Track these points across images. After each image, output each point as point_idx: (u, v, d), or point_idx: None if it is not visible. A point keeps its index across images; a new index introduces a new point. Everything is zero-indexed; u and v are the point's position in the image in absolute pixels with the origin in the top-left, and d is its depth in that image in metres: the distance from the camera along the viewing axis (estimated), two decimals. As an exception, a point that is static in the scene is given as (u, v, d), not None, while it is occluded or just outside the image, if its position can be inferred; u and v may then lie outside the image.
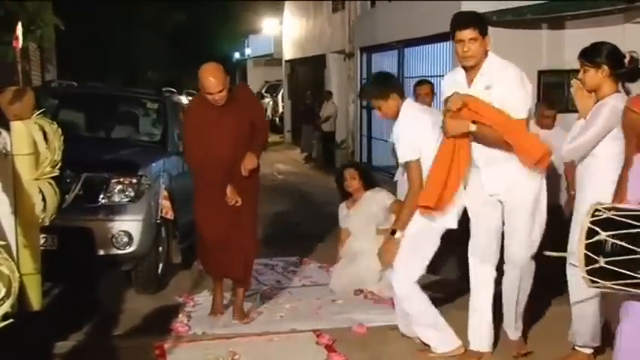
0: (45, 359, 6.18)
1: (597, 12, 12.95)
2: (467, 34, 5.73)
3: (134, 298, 8.12)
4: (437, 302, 6.74)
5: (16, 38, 5.31)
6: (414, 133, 6.48)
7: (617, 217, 4.13)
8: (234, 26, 35.05)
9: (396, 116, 6.63)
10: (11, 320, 2.96)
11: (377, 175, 20.22)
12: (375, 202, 8.77)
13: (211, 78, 6.61)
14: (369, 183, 8.99)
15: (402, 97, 6.66)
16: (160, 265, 8.58)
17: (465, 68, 5.97)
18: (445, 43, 15.90)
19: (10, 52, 5.38)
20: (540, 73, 13.65)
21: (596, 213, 4.18)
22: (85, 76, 17.55)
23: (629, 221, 4.07)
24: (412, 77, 18.73)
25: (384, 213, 8.62)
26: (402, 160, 6.59)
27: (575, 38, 12.81)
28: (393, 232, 6.42)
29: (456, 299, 7.55)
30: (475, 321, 6.30)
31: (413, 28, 17.57)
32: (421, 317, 6.49)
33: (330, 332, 6.88)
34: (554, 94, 12.00)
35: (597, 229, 4.09)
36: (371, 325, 7.26)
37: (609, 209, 4.21)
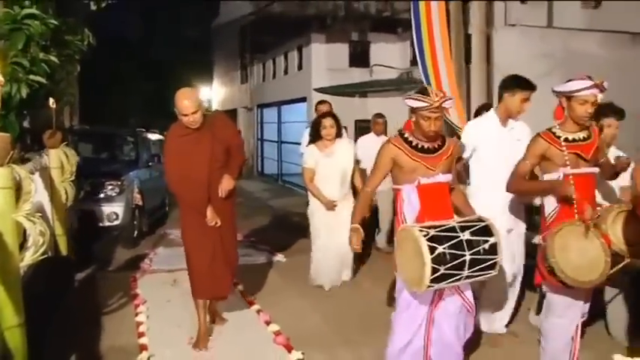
0: (70, 284, 6.08)
1: (384, 89, 13.86)
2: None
3: (120, 250, 8.08)
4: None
5: (52, 103, 5.60)
6: None
7: (437, 234, 3.23)
8: (183, 91, 34.74)
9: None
10: (46, 256, 3.13)
11: (266, 179, 20.63)
12: (349, 152, 6.14)
13: (186, 101, 4.41)
14: (339, 133, 6.17)
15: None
16: (135, 232, 8.59)
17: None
18: (302, 103, 16.40)
19: (48, 112, 5.65)
20: (356, 121, 13.97)
21: (422, 233, 3.22)
22: (95, 121, 17.50)
23: (446, 234, 3.24)
24: (284, 122, 19.31)
25: (352, 164, 6.16)
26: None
27: (373, 103, 13.64)
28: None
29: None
30: None
31: (285, 94, 18.00)
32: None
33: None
34: (365, 132, 11.80)
35: (435, 245, 3.17)
36: (258, 262, 7.35)
37: (428, 228, 3.26)
